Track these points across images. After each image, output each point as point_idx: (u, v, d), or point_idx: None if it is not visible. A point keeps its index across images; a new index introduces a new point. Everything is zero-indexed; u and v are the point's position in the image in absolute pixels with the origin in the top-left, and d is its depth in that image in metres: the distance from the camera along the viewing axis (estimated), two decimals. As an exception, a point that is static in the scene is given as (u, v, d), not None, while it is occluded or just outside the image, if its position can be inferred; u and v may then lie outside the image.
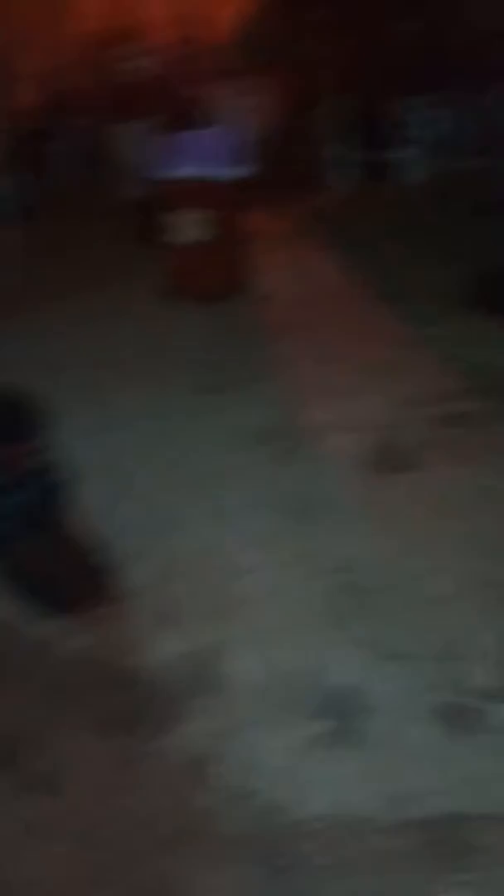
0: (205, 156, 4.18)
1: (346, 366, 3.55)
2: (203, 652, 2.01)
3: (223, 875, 1.43)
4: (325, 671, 1.93)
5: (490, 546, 2.32)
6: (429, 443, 2.91)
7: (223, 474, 2.78)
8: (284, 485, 2.70)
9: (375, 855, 1.42)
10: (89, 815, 1.59)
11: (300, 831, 1.54)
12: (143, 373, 3.68)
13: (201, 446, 2.98)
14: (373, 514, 2.50)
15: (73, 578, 2.18)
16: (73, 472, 2.29)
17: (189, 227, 4.27)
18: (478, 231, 5.43)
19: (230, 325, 4.10)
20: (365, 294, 4.45)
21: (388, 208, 6.18)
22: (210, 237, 4.24)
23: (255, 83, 7.42)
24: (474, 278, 3.54)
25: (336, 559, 2.30)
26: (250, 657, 1.98)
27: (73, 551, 2.21)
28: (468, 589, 2.16)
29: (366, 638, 2.01)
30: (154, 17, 8.43)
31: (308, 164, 6.28)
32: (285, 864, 1.43)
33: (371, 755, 1.70)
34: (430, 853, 1.42)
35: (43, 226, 6.59)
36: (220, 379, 3.51)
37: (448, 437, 2.96)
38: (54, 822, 1.58)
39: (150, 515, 2.57)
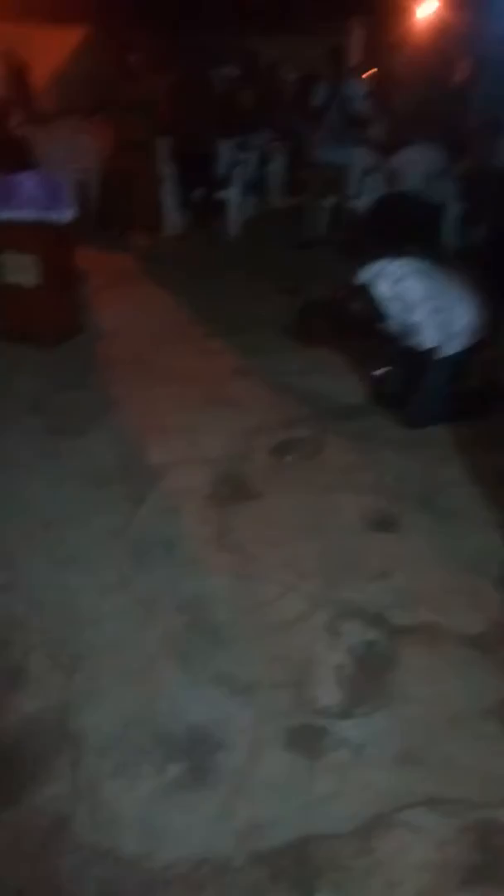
0: (29, 198, 4.10)
1: (188, 401, 3.60)
2: (53, 710, 1.94)
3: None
4: (178, 713, 1.93)
5: (331, 567, 2.45)
6: (267, 472, 3.02)
7: (69, 518, 2.71)
8: (131, 526, 2.67)
9: (233, 893, 1.44)
10: None
11: (161, 880, 1.52)
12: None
13: (46, 490, 2.89)
14: (217, 547, 2.55)
15: None
16: None
17: (17, 270, 4.17)
18: (303, 263, 5.80)
19: (71, 366, 4.03)
20: (203, 329, 4.56)
21: (220, 245, 6.41)
22: (39, 280, 4.16)
23: (80, 125, 7.44)
24: (298, 309, 3.74)
25: (182, 598, 2.31)
26: (102, 709, 1.94)
27: None
28: (313, 610, 2.26)
29: (217, 674, 2.04)
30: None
31: (139, 204, 6.36)
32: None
33: (225, 792, 1.72)
34: (285, 882, 1.45)
35: None
36: (63, 420, 3.43)
37: (284, 465, 3.09)
38: None
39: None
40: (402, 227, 4.80)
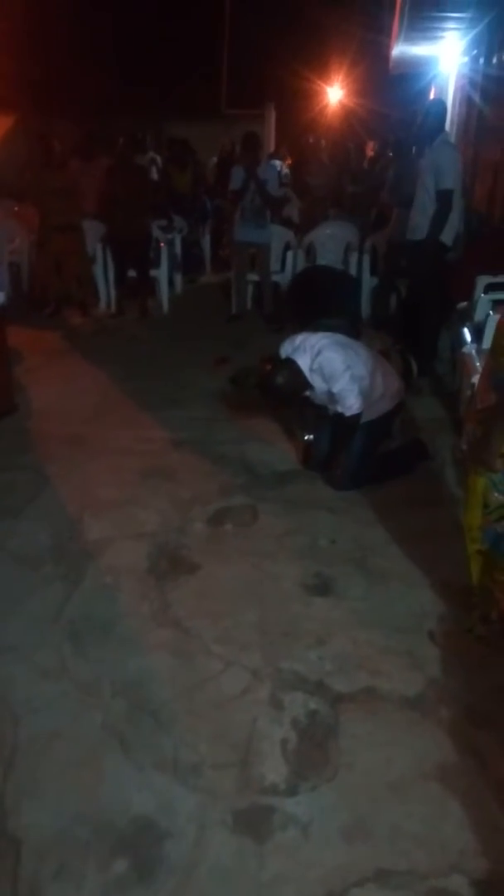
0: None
1: (124, 475, 3.61)
2: (-11, 813, 1.85)
3: None
4: (122, 804, 1.88)
5: (271, 636, 2.46)
6: (205, 542, 3.04)
7: (2, 603, 2.64)
8: (68, 607, 2.63)
9: None
10: None
11: None
12: None
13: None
14: (156, 625, 2.53)
15: None
16: None
17: None
18: (232, 335, 5.99)
19: (3, 445, 3.99)
20: (138, 402, 4.60)
21: (152, 321, 6.55)
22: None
23: (10, 209, 7.58)
24: (229, 379, 3.85)
25: (122, 680, 2.27)
26: (41, 806, 1.87)
27: None
28: (255, 684, 2.25)
29: (160, 759, 2.00)
30: None
31: (72, 284, 6.46)
32: None
33: (173, 885, 1.67)
34: None
35: None
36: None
37: (220, 534, 3.12)
38: None
39: None
40: (322, 299, 5.04)
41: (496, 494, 2.26)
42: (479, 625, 2.42)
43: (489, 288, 4.33)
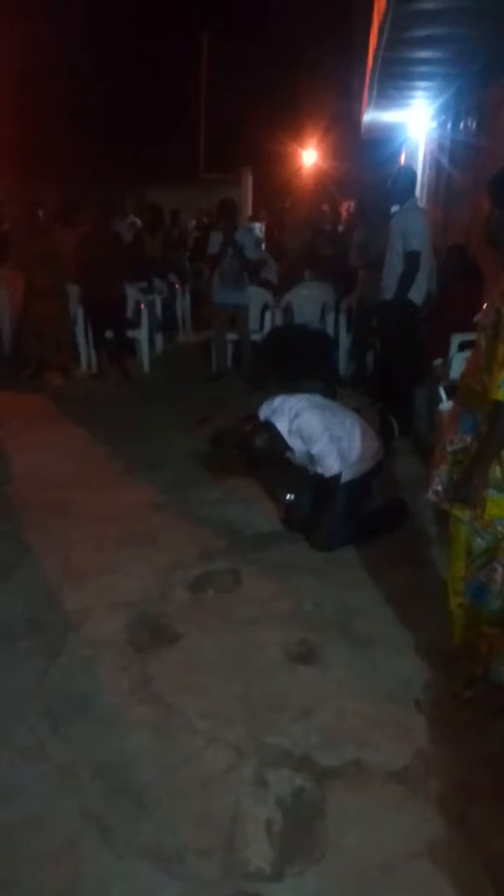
0: None
1: (105, 541, 3.58)
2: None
3: None
4: (102, 895, 1.80)
5: (255, 709, 2.41)
6: (186, 610, 3.00)
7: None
8: (46, 683, 2.56)
9: None
10: None
11: None
12: None
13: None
14: (137, 701, 2.47)
15: None
16: None
17: None
18: (213, 394, 6.05)
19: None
20: (119, 465, 4.60)
21: (133, 382, 6.61)
22: None
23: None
24: (210, 440, 3.87)
25: (102, 761, 2.21)
26: (17, 904, 1.78)
27: None
28: (238, 761, 2.20)
29: (142, 844, 1.93)
30: None
31: (53, 346, 6.53)
32: None
33: None
34: None
35: None
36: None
37: (202, 601, 3.08)
38: None
39: None
40: (299, 358, 5.13)
41: (479, 540, 2.27)
42: (464, 689, 2.39)
43: (463, 346, 4.43)
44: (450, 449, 2.29)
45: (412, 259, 4.57)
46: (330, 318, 6.54)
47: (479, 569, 2.30)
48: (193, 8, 17.17)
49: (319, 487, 3.47)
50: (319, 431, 3.23)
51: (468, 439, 2.24)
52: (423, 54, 6.14)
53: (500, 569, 2.27)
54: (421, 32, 5.25)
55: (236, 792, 2.08)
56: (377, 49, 6.14)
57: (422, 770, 2.14)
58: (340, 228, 9.51)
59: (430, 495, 2.35)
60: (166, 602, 3.07)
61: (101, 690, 2.52)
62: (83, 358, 6.83)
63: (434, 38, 5.43)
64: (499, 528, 2.21)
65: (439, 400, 4.22)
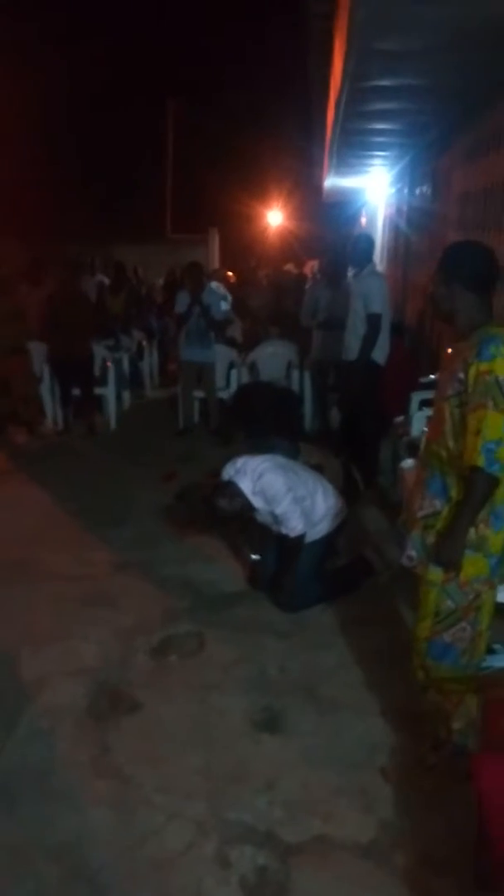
0: None
1: (64, 603, 3.49)
2: None
3: None
4: None
5: (217, 782, 2.34)
6: (148, 677, 2.93)
7: None
8: (2, 758, 2.45)
9: None
10: None
11: None
12: None
13: None
14: (94, 774, 2.38)
15: None
16: None
17: None
18: (179, 450, 6.05)
19: None
20: (82, 522, 4.54)
21: (99, 438, 6.58)
22: None
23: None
24: (175, 496, 3.84)
25: (56, 842, 2.11)
26: None
27: None
28: (200, 838, 2.11)
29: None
30: None
31: (17, 402, 6.48)
32: None
33: None
34: None
35: None
36: None
37: (164, 666, 3.01)
38: None
39: None
40: (266, 415, 5.18)
41: (448, 602, 2.27)
42: (430, 754, 2.36)
43: (423, 404, 4.53)
44: (420, 514, 2.31)
45: (374, 321, 4.71)
46: (295, 374, 6.64)
47: (445, 630, 2.30)
48: (160, 75, 17.91)
49: (284, 547, 3.46)
50: (283, 492, 3.24)
51: (437, 504, 2.27)
52: (378, 126, 6.44)
53: (468, 628, 2.28)
54: (375, 107, 5.51)
55: (197, 872, 2.00)
56: (335, 121, 6.42)
57: (388, 843, 2.08)
58: (306, 287, 9.75)
59: (405, 560, 2.37)
60: (127, 668, 2.99)
61: (57, 765, 2.42)
62: (49, 414, 6.80)
63: (388, 111, 5.71)
64: (475, 586, 2.23)
65: (402, 457, 4.28)
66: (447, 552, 2.18)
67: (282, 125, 17.48)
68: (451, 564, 2.20)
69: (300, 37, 7.52)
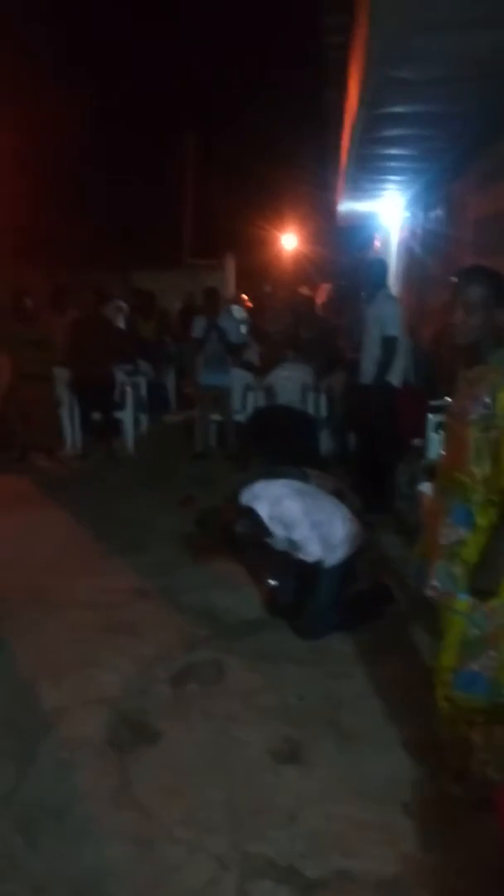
0: None
1: (85, 631, 3.50)
2: None
3: None
4: None
5: (238, 815, 2.31)
6: (168, 706, 2.91)
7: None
8: (20, 791, 2.44)
9: None
10: None
11: None
12: None
13: None
14: (115, 807, 2.36)
15: None
16: None
17: None
18: (197, 474, 6.08)
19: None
20: (101, 548, 4.56)
21: (118, 462, 6.63)
22: None
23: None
24: (193, 521, 3.84)
25: (77, 877, 2.09)
26: None
27: None
28: (221, 873, 2.09)
29: None
30: None
31: (39, 428, 6.56)
32: None
33: None
34: None
35: None
36: None
37: (184, 696, 2.99)
38: None
39: None
40: (283, 438, 5.19)
41: (474, 630, 2.23)
42: (453, 785, 2.31)
43: (439, 427, 4.51)
44: (444, 543, 2.27)
45: (389, 344, 4.73)
46: (310, 398, 6.66)
47: (473, 658, 2.26)
48: (180, 107, 18.28)
49: (303, 573, 3.45)
50: (300, 518, 3.23)
51: (462, 532, 2.22)
52: (393, 151, 6.51)
53: (496, 655, 2.24)
54: (390, 132, 5.59)
55: (221, 908, 1.98)
56: (350, 146, 6.50)
57: (412, 880, 2.04)
58: (320, 312, 9.80)
59: (428, 591, 2.32)
60: (147, 697, 2.98)
61: (77, 797, 2.41)
62: (68, 439, 6.87)
63: (403, 137, 5.78)
64: (502, 612, 2.18)
65: (420, 480, 4.26)
66: (487, 580, 2.14)
67: (297, 151, 17.72)
68: (491, 593, 2.15)
69: (316, 65, 7.66)
